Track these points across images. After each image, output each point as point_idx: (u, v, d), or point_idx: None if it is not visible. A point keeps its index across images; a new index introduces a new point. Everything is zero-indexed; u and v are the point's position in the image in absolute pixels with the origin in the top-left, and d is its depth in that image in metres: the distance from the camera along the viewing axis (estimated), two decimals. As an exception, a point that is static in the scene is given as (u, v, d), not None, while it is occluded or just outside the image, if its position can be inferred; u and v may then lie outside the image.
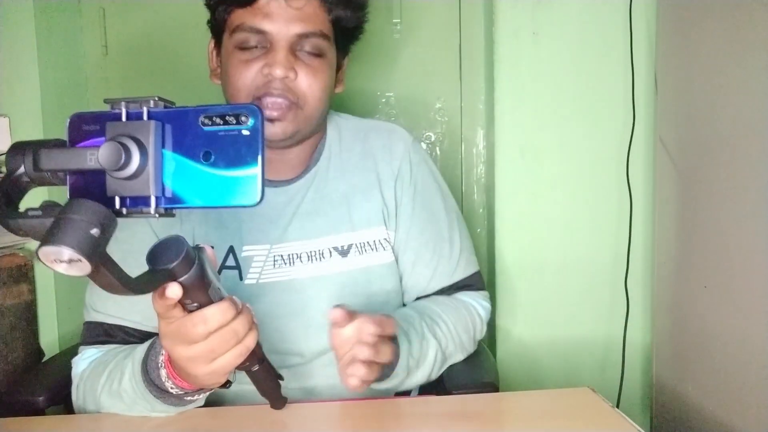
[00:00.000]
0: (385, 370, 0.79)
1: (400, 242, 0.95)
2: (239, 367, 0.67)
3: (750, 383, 0.98)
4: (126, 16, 1.53)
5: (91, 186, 0.49)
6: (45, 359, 1.31)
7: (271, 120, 0.85)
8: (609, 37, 1.39)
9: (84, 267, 0.44)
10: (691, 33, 1.15)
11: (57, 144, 0.50)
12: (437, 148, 1.56)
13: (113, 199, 0.48)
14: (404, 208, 0.96)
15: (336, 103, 1.04)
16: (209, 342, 0.61)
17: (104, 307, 0.86)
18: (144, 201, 0.48)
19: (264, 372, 0.71)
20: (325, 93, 0.89)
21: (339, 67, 0.95)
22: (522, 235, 1.44)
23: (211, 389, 0.74)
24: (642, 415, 1.46)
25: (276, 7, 0.84)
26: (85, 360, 0.85)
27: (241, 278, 0.90)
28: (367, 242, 0.93)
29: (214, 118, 0.49)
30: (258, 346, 0.66)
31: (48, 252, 0.43)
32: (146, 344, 0.76)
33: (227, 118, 0.48)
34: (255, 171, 0.48)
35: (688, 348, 1.18)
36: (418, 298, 0.98)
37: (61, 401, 0.97)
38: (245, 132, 0.48)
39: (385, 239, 0.94)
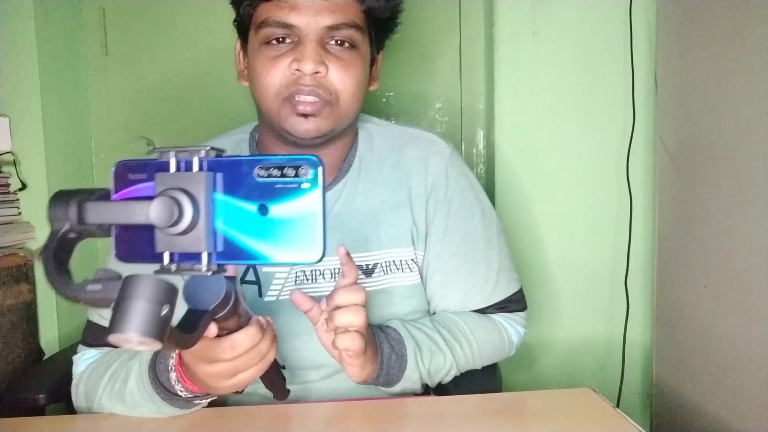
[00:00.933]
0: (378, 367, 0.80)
1: (429, 264, 0.90)
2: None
3: (750, 383, 0.98)
4: (126, 16, 1.53)
5: (138, 239, 0.46)
6: (45, 359, 1.31)
7: (305, 116, 0.80)
8: (609, 37, 1.39)
9: (155, 345, 0.43)
10: (691, 33, 1.15)
11: (102, 195, 0.47)
12: (437, 148, 1.56)
13: (162, 255, 0.45)
14: (436, 228, 0.90)
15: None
16: (234, 363, 0.61)
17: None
18: (195, 257, 0.45)
19: (271, 369, 0.71)
20: (359, 88, 0.83)
21: (373, 62, 0.89)
22: (522, 234, 1.44)
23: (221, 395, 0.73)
24: (642, 414, 1.46)
25: None
26: (85, 361, 0.85)
27: (260, 294, 0.87)
28: (393, 261, 0.88)
29: (271, 169, 0.45)
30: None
31: (119, 338, 0.42)
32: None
33: (285, 169, 0.45)
34: (315, 226, 0.45)
35: (688, 348, 1.18)
36: None
37: (61, 399, 0.98)
38: (305, 185, 0.45)
39: (412, 260, 0.89)
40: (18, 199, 1.34)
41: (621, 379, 1.42)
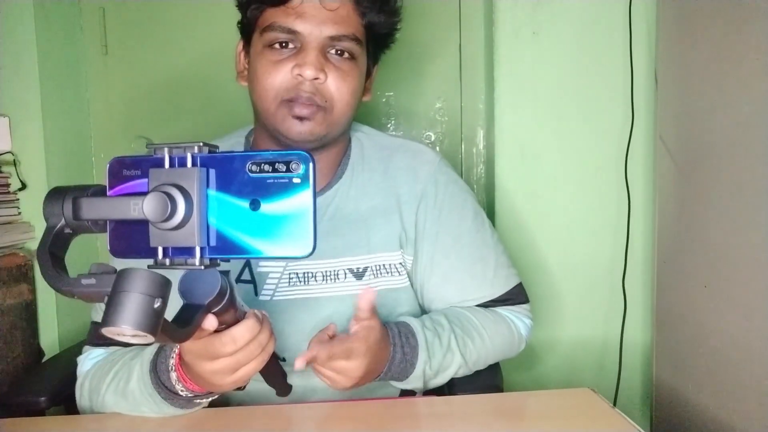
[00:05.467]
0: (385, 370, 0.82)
1: (425, 268, 0.92)
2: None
3: (749, 383, 0.98)
4: (126, 16, 1.53)
5: (133, 235, 0.47)
6: (45, 359, 1.31)
7: (300, 119, 0.83)
8: (609, 36, 1.39)
9: (147, 338, 0.44)
10: (691, 33, 1.15)
11: (96, 191, 0.48)
12: (437, 148, 1.56)
13: (156, 249, 0.46)
14: (428, 233, 0.92)
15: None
16: (236, 356, 0.62)
17: None
18: (189, 251, 0.46)
19: (272, 364, 0.72)
20: (354, 98, 0.86)
21: (368, 75, 0.93)
22: (521, 234, 1.44)
23: (223, 392, 0.74)
24: (642, 414, 1.46)
25: (309, 7, 0.82)
26: (90, 360, 0.86)
27: (256, 293, 0.89)
28: (383, 265, 0.91)
29: (262, 165, 0.46)
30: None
31: (112, 331, 0.43)
32: (154, 346, 0.76)
33: (276, 165, 0.46)
34: (307, 221, 0.45)
35: (688, 348, 1.18)
36: None
37: (62, 402, 0.97)
38: (296, 180, 0.45)
39: (401, 263, 0.92)
40: (18, 199, 1.34)
41: (618, 379, 1.43)
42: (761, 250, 0.94)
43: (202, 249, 0.46)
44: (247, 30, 0.89)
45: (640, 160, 1.42)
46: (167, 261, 0.46)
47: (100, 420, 0.79)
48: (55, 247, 0.48)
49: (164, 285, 0.44)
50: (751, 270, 0.97)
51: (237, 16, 0.91)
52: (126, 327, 0.42)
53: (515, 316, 0.96)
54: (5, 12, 1.33)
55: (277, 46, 0.83)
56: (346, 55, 0.84)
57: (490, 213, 1.46)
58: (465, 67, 1.53)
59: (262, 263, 0.89)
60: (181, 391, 0.71)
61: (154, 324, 0.43)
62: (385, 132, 1.54)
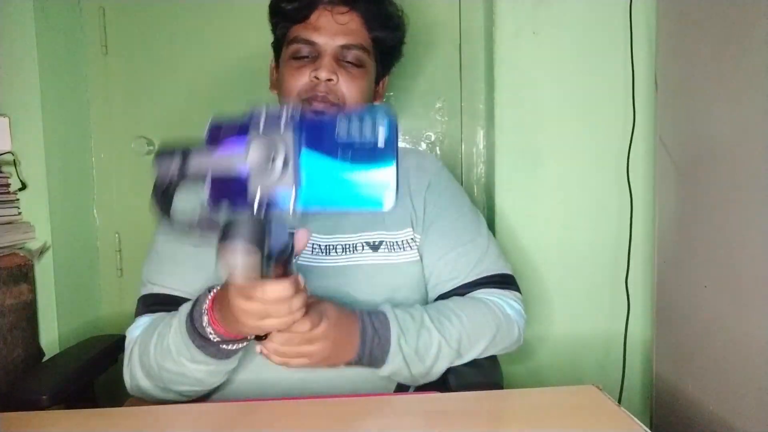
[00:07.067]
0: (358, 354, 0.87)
1: (426, 243, 1.04)
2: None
3: (750, 381, 0.98)
4: (126, 16, 1.53)
5: (232, 189, 0.51)
6: (45, 359, 1.31)
7: (317, 113, 0.95)
8: (609, 36, 1.40)
9: (254, 257, 0.51)
10: (691, 33, 1.15)
11: (204, 148, 0.53)
12: (437, 148, 1.56)
13: (253, 202, 0.51)
14: (430, 216, 1.05)
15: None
16: (266, 306, 0.69)
17: (159, 279, 0.97)
18: (283, 203, 0.51)
19: None
20: (363, 98, 1.01)
21: (378, 81, 1.09)
22: (522, 234, 1.44)
23: (246, 341, 0.82)
24: (642, 412, 1.46)
25: (324, 21, 0.99)
26: (138, 327, 0.94)
27: None
28: (396, 242, 1.02)
29: (351, 128, 0.51)
30: None
31: (227, 246, 0.50)
32: (192, 300, 0.85)
33: (363, 128, 0.51)
34: (389, 178, 0.51)
35: (689, 346, 1.18)
36: (439, 297, 1.02)
37: (63, 401, 0.97)
38: (381, 143, 0.51)
39: (412, 239, 1.03)
40: (18, 199, 1.34)
41: (622, 377, 1.43)
42: (761, 250, 0.95)
43: (295, 199, 0.51)
44: (277, 46, 1.07)
45: (640, 159, 1.42)
46: (263, 212, 0.51)
47: (103, 416, 0.80)
48: (164, 197, 0.53)
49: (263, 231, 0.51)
50: (751, 269, 0.97)
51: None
52: (241, 242, 0.48)
53: (498, 298, 1.01)
54: (5, 12, 1.33)
55: (299, 56, 1.00)
56: (356, 62, 1.00)
57: (490, 213, 1.46)
58: (465, 67, 1.53)
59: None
60: (211, 334, 0.78)
61: (261, 241, 0.50)
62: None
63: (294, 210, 0.51)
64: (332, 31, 0.99)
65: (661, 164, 1.29)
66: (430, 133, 1.56)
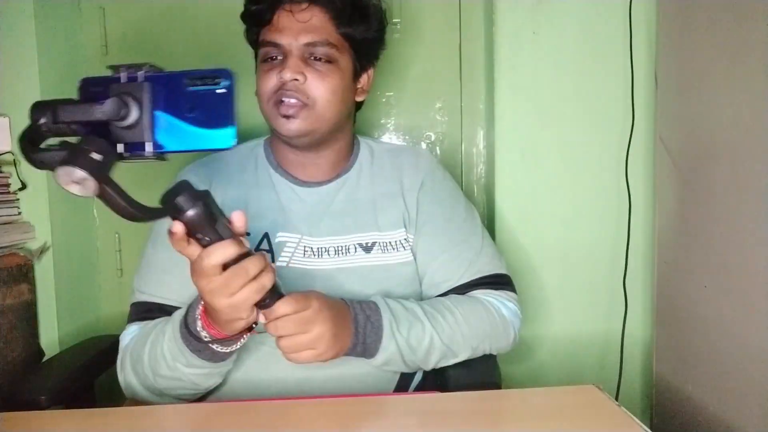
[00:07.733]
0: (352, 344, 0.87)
1: (418, 244, 1.03)
2: (262, 306, 0.74)
3: (750, 381, 0.98)
4: (126, 15, 1.53)
5: (99, 135, 0.60)
6: (45, 359, 1.31)
7: (287, 117, 0.95)
8: (609, 36, 1.40)
9: (91, 185, 0.57)
10: (691, 33, 1.15)
11: (71, 102, 0.61)
12: (437, 148, 1.56)
13: (116, 145, 0.61)
14: (424, 215, 1.04)
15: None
16: (223, 276, 0.69)
17: (147, 288, 0.98)
18: (141, 146, 0.62)
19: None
20: (336, 95, 0.97)
21: (358, 76, 1.04)
22: (522, 234, 1.44)
23: (239, 339, 0.81)
24: (642, 412, 1.46)
25: (286, 21, 0.96)
26: (129, 335, 0.95)
27: (273, 260, 0.99)
28: (389, 242, 1.02)
29: (195, 80, 0.62)
30: (276, 286, 0.74)
31: (61, 173, 0.56)
32: (185, 307, 0.85)
33: (206, 79, 0.62)
34: (229, 121, 0.62)
35: (689, 346, 1.18)
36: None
37: (63, 401, 0.97)
38: (221, 90, 0.62)
39: (405, 240, 1.03)
40: (18, 199, 1.34)
41: (619, 377, 1.43)
42: (761, 249, 0.95)
43: (152, 144, 0.61)
44: (255, 52, 1.05)
45: (639, 159, 1.42)
46: (125, 154, 0.61)
47: (104, 415, 0.80)
48: (33, 136, 0.61)
49: (106, 145, 0.59)
50: (751, 268, 0.97)
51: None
52: (71, 167, 0.56)
53: (494, 298, 1.01)
54: (5, 12, 1.33)
55: (269, 59, 0.98)
56: (325, 58, 0.97)
57: (490, 213, 1.46)
58: (465, 67, 1.53)
59: (279, 234, 1.01)
60: (205, 337, 0.79)
61: (95, 169, 0.57)
62: (385, 131, 1.54)
63: (153, 154, 0.61)
64: (295, 30, 0.96)
65: (660, 163, 1.29)
66: (430, 133, 1.56)
